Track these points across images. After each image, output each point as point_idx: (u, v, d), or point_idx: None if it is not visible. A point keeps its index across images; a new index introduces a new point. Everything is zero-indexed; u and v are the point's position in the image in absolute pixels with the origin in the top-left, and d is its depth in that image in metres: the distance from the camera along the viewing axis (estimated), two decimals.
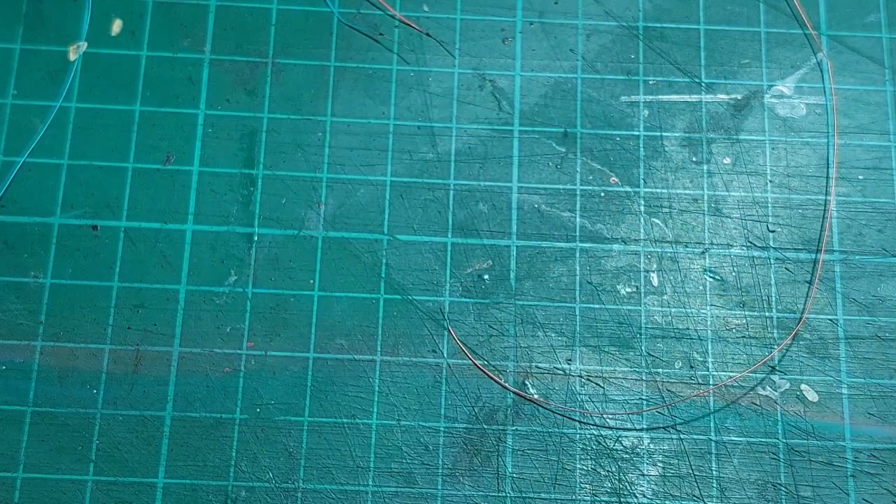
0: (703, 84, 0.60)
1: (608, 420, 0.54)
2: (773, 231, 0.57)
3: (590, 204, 0.58)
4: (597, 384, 0.54)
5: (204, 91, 0.59)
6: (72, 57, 0.59)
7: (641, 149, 0.59)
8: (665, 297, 0.56)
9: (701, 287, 0.56)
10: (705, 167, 0.59)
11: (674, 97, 0.60)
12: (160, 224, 0.57)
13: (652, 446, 0.53)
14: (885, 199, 0.58)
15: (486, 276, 0.56)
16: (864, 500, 0.53)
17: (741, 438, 0.54)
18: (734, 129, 0.59)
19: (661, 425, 0.54)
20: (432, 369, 0.54)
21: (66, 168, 0.57)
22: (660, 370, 0.55)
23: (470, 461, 0.53)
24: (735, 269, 0.57)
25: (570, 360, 0.55)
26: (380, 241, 0.57)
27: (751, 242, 0.57)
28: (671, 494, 0.53)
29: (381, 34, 0.61)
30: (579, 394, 0.54)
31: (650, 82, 0.60)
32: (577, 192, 0.58)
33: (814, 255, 0.57)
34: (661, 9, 0.62)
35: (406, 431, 0.53)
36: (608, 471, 0.53)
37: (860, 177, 0.59)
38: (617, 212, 0.58)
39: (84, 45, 0.60)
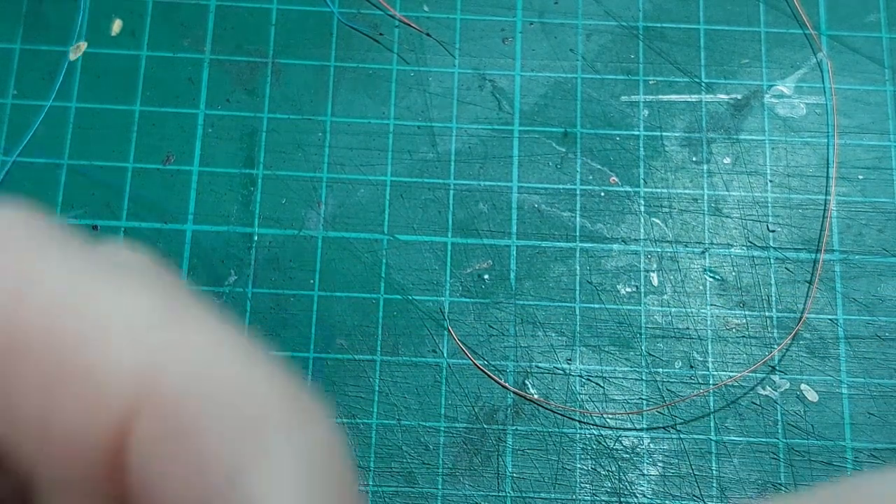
0: (703, 84, 0.60)
1: (608, 420, 0.54)
2: (773, 231, 0.57)
3: (590, 204, 0.58)
4: (597, 384, 0.54)
5: (204, 91, 0.59)
6: (72, 57, 0.59)
7: (641, 149, 0.59)
8: (665, 296, 0.56)
9: (701, 287, 0.56)
10: (705, 167, 0.59)
11: (674, 97, 0.60)
12: (160, 224, 0.57)
13: (652, 446, 0.53)
14: (885, 198, 0.58)
15: (486, 276, 0.56)
16: None
17: (741, 438, 0.54)
18: (734, 128, 0.59)
19: (661, 425, 0.54)
20: (432, 369, 0.54)
21: (66, 168, 0.57)
22: (660, 370, 0.55)
23: (470, 461, 0.53)
24: (735, 268, 0.57)
25: (570, 359, 0.55)
26: (380, 241, 0.57)
27: (751, 242, 0.57)
28: (671, 494, 0.53)
29: (381, 34, 0.61)
30: (579, 394, 0.54)
31: (650, 82, 0.60)
32: (577, 192, 0.58)
33: (814, 255, 0.57)
34: (661, 8, 0.62)
35: (406, 431, 0.53)
36: (608, 470, 0.53)
37: (860, 176, 0.59)
38: (617, 212, 0.58)
39: (84, 45, 0.60)
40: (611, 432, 0.54)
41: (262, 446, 0.13)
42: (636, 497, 0.53)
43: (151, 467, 0.14)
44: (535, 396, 0.54)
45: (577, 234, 0.57)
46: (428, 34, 0.61)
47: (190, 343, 0.14)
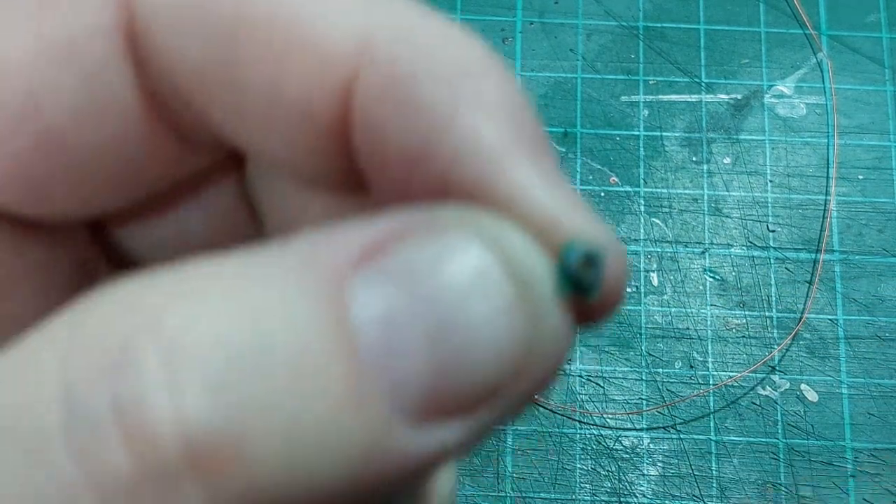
0: (703, 84, 0.60)
1: (608, 420, 0.54)
2: (773, 231, 0.57)
3: (590, 203, 0.58)
4: (597, 384, 0.54)
5: None
6: None
7: (641, 148, 0.59)
8: (665, 296, 0.56)
9: (701, 287, 0.56)
10: (705, 167, 0.59)
11: (674, 97, 0.60)
12: None
13: (652, 446, 0.53)
14: (885, 199, 0.58)
15: None
16: (864, 500, 0.53)
17: (741, 438, 0.54)
18: (734, 128, 0.59)
19: (661, 425, 0.54)
20: None
21: None
22: (660, 370, 0.55)
23: (470, 461, 0.53)
24: (735, 268, 0.57)
25: (569, 359, 0.55)
26: None
27: (751, 242, 0.57)
28: (671, 494, 0.53)
29: None
30: (579, 393, 0.54)
31: (650, 82, 0.60)
32: (577, 192, 0.58)
33: (814, 255, 0.57)
34: (661, 8, 0.62)
35: None
36: (608, 470, 0.53)
37: (860, 177, 0.58)
38: (617, 211, 0.58)
39: None
40: (611, 432, 0.54)
41: (473, 89, 0.15)
42: (636, 497, 0.52)
43: (376, 118, 0.15)
44: (535, 397, 0.54)
45: None
46: None
47: (396, 6, 0.16)
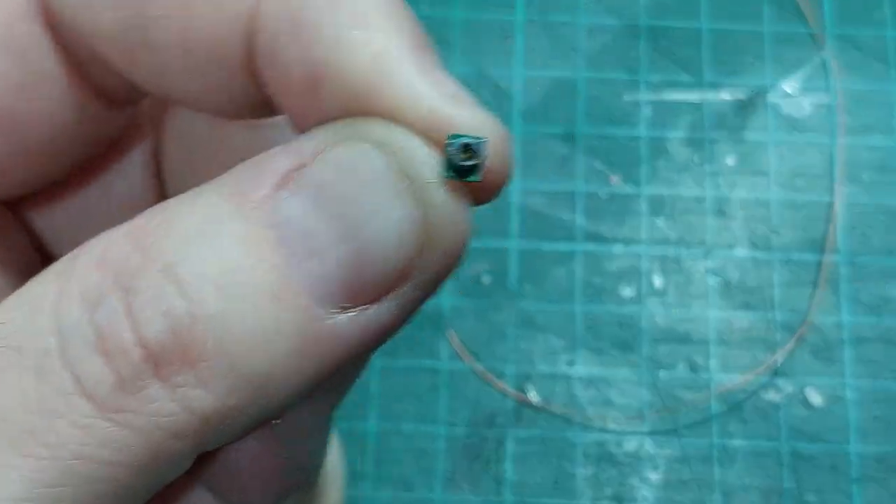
0: (706, 83, 0.59)
1: (609, 424, 0.53)
2: (777, 232, 0.57)
3: (591, 204, 0.57)
4: (598, 388, 0.54)
5: None
6: None
7: (644, 148, 0.58)
8: (667, 298, 0.55)
9: (704, 289, 0.56)
10: (708, 167, 0.58)
11: (677, 96, 0.59)
12: None
13: (654, 451, 0.53)
14: (891, 199, 0.57)
15: (485, 278, 0.56)
16: None
17: (744, 442, 0.53)
18: (738, 128, 0.59)
19: (663, 429, 0.53)
20: (431, 373, 0.54)
21: None
22: (662, 373, 0.54)
23: (469, 466, 0.52)
24: (739, 270, 0.56)
25: (571, 363, 0.54)
26: None
27: (754, 243, 0.57)
28: (673, 500, 0.52)
29: None
30: (580, 397, 0.54)
31: (653, 81, 0.59)
32: (579, 193, 0.57)
33: (818, 257, 0.56)
34: (663, 6, 0.61)
35: (404, 436, 0.53)
36: (609, 475, 0.52)
37: (865, 177, 0.58)
38: (619, 212, 0.57)
39: None
40: (612, 437, 0.53)
41: (350, 5, 0.17)
42: (638, 502, 0.52)
43: (276, 48, 0.17)
44: (536, 400, 0.54)
45: (579, 235, 0.57)
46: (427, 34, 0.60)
47: None
